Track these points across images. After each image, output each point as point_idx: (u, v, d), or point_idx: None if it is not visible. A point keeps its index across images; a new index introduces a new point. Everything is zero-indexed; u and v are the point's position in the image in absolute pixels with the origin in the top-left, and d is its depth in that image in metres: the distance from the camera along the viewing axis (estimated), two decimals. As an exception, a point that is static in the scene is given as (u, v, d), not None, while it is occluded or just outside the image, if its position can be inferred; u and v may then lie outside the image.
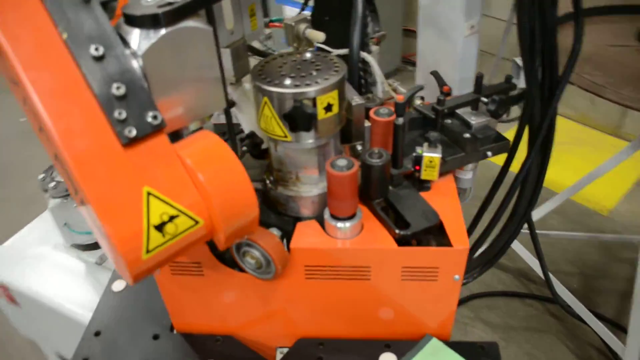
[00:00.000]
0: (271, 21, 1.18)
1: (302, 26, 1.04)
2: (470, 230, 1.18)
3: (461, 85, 1.05)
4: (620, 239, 2.48)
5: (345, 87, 0.80)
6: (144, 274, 0.63)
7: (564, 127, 3.34)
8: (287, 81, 0.75)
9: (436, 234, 0.82)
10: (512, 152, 1.09)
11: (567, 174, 2.59)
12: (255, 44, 1.15)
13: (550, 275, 2.11)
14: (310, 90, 0.73)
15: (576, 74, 1.29)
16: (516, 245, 2.32)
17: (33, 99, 0.57)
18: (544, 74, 1.04)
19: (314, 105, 0.74)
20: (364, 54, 1.03)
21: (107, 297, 1.07)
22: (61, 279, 1.59)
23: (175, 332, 0.98)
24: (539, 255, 1.58)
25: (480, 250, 1.17)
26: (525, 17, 0.94)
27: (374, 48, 1.15)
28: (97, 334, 0.99)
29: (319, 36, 1.03)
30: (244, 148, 0.93)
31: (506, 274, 2.41)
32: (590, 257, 2.48)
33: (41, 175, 1.59)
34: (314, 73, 0.77)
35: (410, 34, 3.54)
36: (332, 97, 0.75)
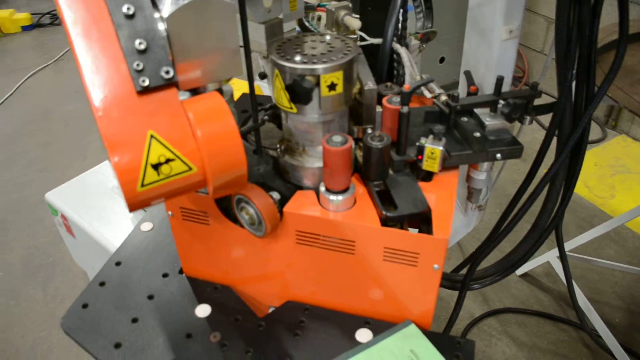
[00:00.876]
0: (319, 6, 1.24)
1: (342, 12, 1.10)
2: (491, 236, 1.19)
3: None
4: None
5: (355, 69, 0.85)
6: (139, 205, 0.72)
7: (644, 156, 3.15)
8: (298, 58, 0.81)
9: (422, 221, 0.85)
10: (538, 159, 1.10)
11: (636, 204, 2.46)
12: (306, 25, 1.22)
13: (589, 303, 2.04)
14: (317, 67, 0.79)
15: (626, 94, 1.25)
16: (559, 267, 2.25)
17: (71, 40, 0.68)
18: (579, 86, 1.03)
19: (318, 82, 0.79)
20: (395, 46, 1.07)
21: (134, 234, 1.19)
22: (110, 217, 1.76)
23: (183, 274, 1.08)
24: (566, 276, 1.55)
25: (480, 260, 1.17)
26: (563, 27, 0.95)
27: (413, 42, 1.19)
28: (117, 263, 1.11)
29: (355, 23, 1.08)
30: (266, 117, 1.01)
31: (545, 294, 2.34)
32: (641, 294, 2.35)
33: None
34: (326, 53, 0.82)
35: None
36: (337, 77, 0.80)
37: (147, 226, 1.21)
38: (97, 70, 0.69)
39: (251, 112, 0.95)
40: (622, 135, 3.32)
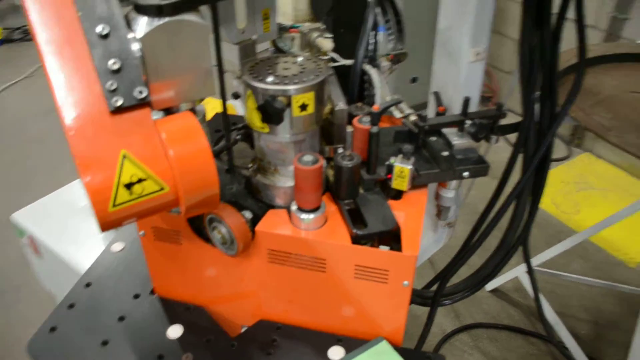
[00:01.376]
0: (292, 27, 1.26)
1: (315, 34, 1.12)
2: (460, 253, 1.22)
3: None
4: (641, 293, 2.40)
5: (326, 90, 0.87)
6: (111, 225, 0.72)
7: (609, 174, 3.25)
8: (270, 78, 0.83)
9: (392, 239, 0.87)
10: (505, 177, 1.13)
11: (600, 219, 2.55)
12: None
13: (557, 317, 2.08)
14: (288, 88, 0.80)
15: (586, 114, 1.30)
16: (527, 282, 2.30)
17: (43, 58, 0.68)
18: (543, 107, 1.07)
19: (290, 103, 0.81)
20: (366, 67, 1.10)
21: (105, 255, 1.18)
22: (80, 237, 1.73)
23: (155, 295, 1.07)
24: (533, 287, 1.58)
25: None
26: (526, 51, 0.98)
27: (384, 63, 1.21)
28: (87, 285, 1.09)
29: (327, 45, 1.10)
30: (238, 137, 1.02)
31: (515, 309, 2.38)
32: (606, 307, 2.41)
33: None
34: (298, 75, 0.84)
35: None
36: (308, 98, 0.82)
37: (118, 246, 1.20)
38: (70, 89, 0.69)
39: (224, 131, 0.96)
40: (586, 153, 3.43)
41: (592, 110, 1.29)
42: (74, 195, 1.93)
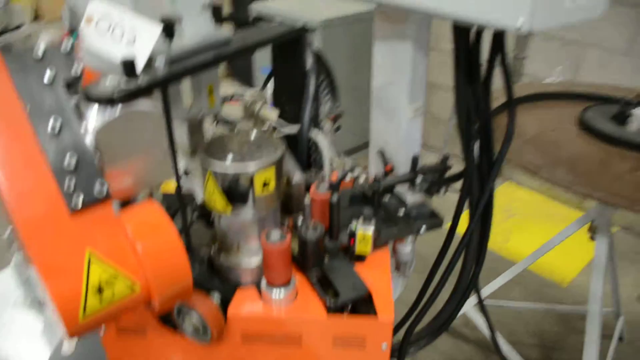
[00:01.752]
0: (233, 98, 1.27)
1: (257, 105, 1.14)
2: (418, 301, 1.24)
3: (407, 163, 1.13)
4: (577, 311, 2.54)
5: (284, 164, 0.88)
6: (81, 333, 0.68)
7: (529, 199, 3.47)
8: (229, 158, 0.83)
9: (365, 305, 0.88)
10: (453, 226, 1.17)
11: (529, 245, 2.69)
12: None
13: (509, 345, 2.15)
14: (250, 167, 0.81)
15: (517, 155, 1.40)
16: (475, 317, 2.37)
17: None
18: (482, 155, 1.13)
19: (252, 182, 0.81)
20: (312, 133, 1.12)
21: (55, 358, 1.09)
22: (18, 335, 1.60)
23: (118, 393, 1.01)
24: (488, 324, 1.63)
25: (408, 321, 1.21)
26: (462, 102, 1.05)
27: (327, 126, 1.25)
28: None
29: (271, 115, 1.12)
30: (194, 217, 1.00)
31: (468, 344, 2.43)
32: (549, 329, 2.52)
33: (7, 232, 1.62)
34: (255, 151, 0.85)
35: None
36: (269, 175, 0.82)
37: (69, 347, 1.11)
38: (22, 191, 0.65)
39: (181, 212, 0.94)
40: (508, 181, 3.64)
41: (521, 151, 1.39)
42: (4, 285, 1.78)
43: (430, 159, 1.13)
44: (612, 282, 2.21)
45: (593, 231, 1.75)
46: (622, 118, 1.53)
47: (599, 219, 1.70)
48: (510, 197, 3.47)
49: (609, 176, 1.33)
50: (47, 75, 0.73)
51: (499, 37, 0.94)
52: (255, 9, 3.27)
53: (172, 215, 1.13)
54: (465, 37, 0.95)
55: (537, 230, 3.13)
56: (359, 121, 3.65)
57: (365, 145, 3.97)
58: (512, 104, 1.07)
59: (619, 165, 1.40)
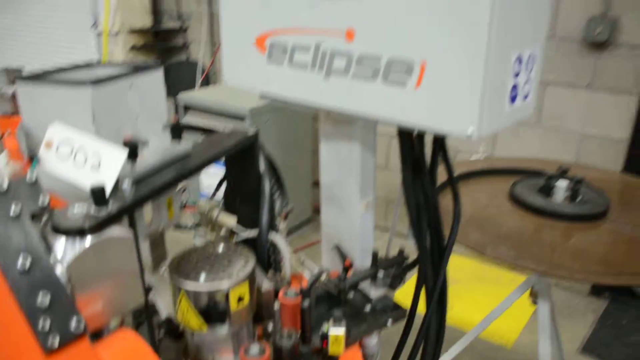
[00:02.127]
0: (187, 205, 1.28)
1: (215, 212, 1.15)
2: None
3: (363, 256, 1.17)
4: (527, 372, 2.62)
5: (255, 275, 0.89)
6: None
7: (464, 266, 3.60)
8: (202, 276, 0.83)
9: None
10: (411, 314, 1.21)
11: (471, 310, 2.77)
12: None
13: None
14: (224, 284, 0.81)
15: (462, 236, 1.47)
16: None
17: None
18: (432, 242, 1.19)
19: (227, 298, 0.82)
20: (272, 236, 1.15)
21: None
22: None
23: None
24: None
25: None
26: (411, 196, 1.11)
27: (282, 225, 1.27)
28: None
29: (229, 221, 1.14)
30: (162, 333, 0.97)
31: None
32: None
33: None
34: (227, 266, 0.86)
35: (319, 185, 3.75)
36: (244, 290, 0.83)
37: None
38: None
39: (149, 333, 0.92)
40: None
41: (466, 230, 1.47)
42: None
43: (381, 242, 1.18)
44: (556, 341, 2.31)
45: (535, 296, 1.84)
46: (547, 190, 1.67)
47: (539, 284, 1.80)
48: (450, 265, 3.59)
49: (546, 248, 1.43)
50: (13, 209, 0.72)
51: (440, 139, 1.03)
52: (182, 99, 3.30)
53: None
54: (409, 137, 1.03)
55: (476, 296, 3.24)
56: (300, 200, 3.73)
57: (307, 221, 4.02)
58: (456, 193, 1.16)
59: (551, 235, 1.52)
